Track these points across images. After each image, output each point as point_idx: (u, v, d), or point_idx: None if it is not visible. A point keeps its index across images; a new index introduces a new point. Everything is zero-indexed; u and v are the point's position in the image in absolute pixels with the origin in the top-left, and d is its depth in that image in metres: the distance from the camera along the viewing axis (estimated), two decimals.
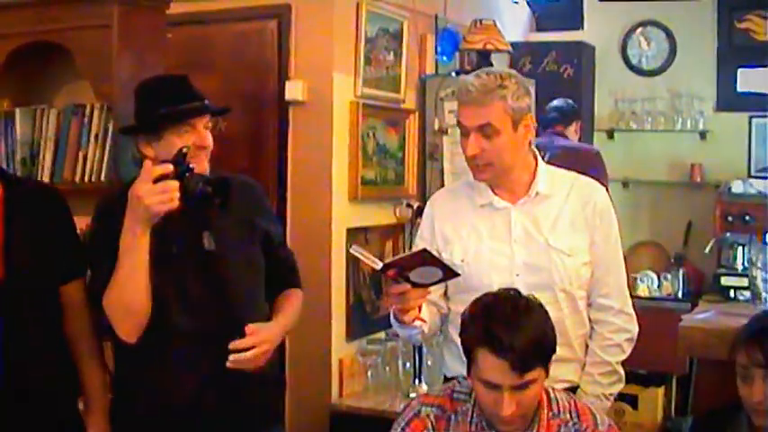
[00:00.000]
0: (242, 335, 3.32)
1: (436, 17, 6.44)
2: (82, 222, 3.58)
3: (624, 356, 3.60)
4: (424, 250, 3.17)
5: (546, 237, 3.47)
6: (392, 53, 5.91)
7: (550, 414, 3.07)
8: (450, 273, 3.21)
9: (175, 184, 3.14)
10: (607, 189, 6.19)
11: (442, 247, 3.53)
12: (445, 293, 3.58)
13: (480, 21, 6.32)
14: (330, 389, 5.51)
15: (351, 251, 3.25)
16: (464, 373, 3.11)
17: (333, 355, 5.51)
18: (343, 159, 5.54)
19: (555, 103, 6.84)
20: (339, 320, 5.54)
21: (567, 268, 3.47)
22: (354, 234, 5.61)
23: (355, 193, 5.59)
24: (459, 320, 3.24)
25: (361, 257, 3.18)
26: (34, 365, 3.28)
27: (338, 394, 5.53)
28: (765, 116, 7.68)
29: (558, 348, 3.10)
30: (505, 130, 3.37)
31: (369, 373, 5.56)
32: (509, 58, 6.55)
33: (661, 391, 6.99)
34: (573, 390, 3.48)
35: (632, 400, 6.85)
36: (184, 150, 3.23)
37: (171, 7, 4.47)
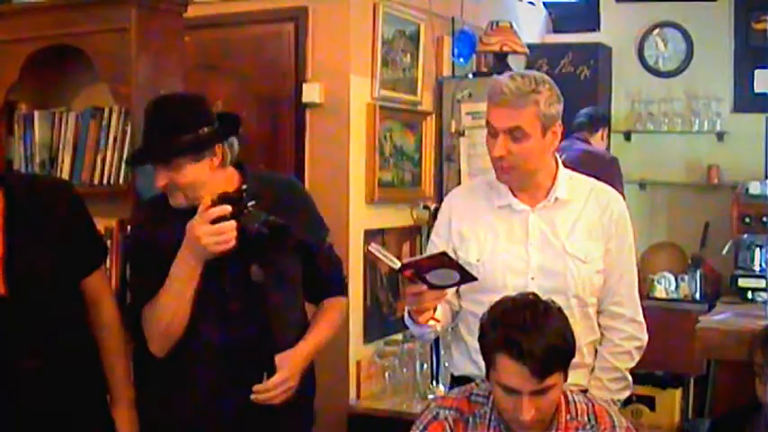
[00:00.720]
0: (271, 359, 3.37)
1: (453, 19, 6.44)
2: (101, 225, 3.59)
3: (633, 364, 3.59)
4: (444, 253, 3.17)
5: (563, 242, 3.47)
6: (409, 55, 5.91)
7: (568, 417, 3.07)
8: (467, 276, 3.19)
9: (233, 224, 3.19)
10: (623, 196, 6.26)
11: (457, 245, 3.54)
12: (457, 291, 3.56)
13: (497, 23, 6.32)
14: (348, 391, 5.51)
15: (369, 249, 3.28)
16: (473, 372, 3.15)
17: (350, 356, 5.51)
18: (360, 161, 5.55)
19: (586, 109, 6.90)
20: (356, 322, 5.54)
21: (582, 275, 3.46)
22: (372, 236, 5.61)
23: (372, 194, 5.60)
24: (471, 320, 3.35)
25: (380, 256, 3.19)
26: (62, 362, 3.28)
27: (356, 396, 5.53)
28: None
29: None
30: (534, 135, 3.36)
31: (386, 375, 5.57)
32: (525, 60, 6.55)
33: (678, 392, 6.97)
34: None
35: (650, 402, 6.84)
36: (244, 187, 3.29)
37: (188, 10, 4.47)
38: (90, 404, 3.44)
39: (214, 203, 3.21)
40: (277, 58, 5.61)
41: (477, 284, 3.34)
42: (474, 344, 3.25)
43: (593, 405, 3.14)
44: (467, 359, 3.46)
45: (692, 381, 7.04)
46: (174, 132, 3.33)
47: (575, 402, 3.12)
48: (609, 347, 3.54)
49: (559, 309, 3.03)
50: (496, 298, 3.15)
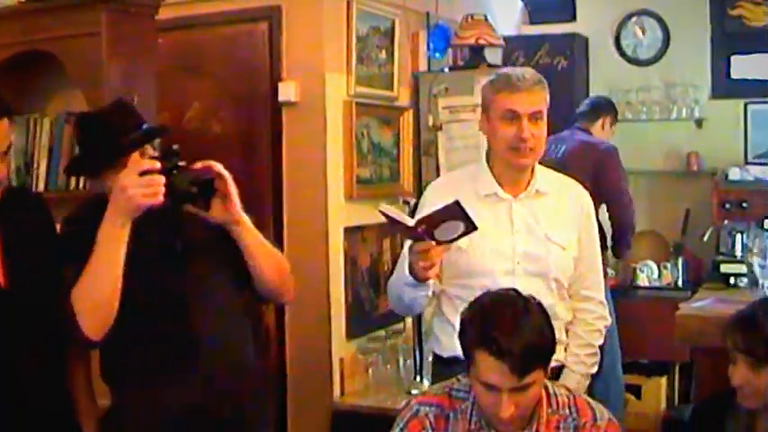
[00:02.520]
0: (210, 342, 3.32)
1: (427, 14, 6.43)
2: None
3: (602, 341, 3.91)
4: (457, 202, 3.26)
5: (545, 230, 3.72)
6: (384, 51, 5.91)
7: (549, 410, 3.06)
8: (471, 226, 3.30)
9: (161, 179, 3.11)
10: (627, 184, 6.25)
11: None
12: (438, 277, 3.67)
13: (471, 16, 6.32)
14: (331, 388, 5.52)
15: (380, 210, 3.33)
16: (460, 352, 3.16)
17: (333, 354, 5.53)
18: (338, 158, 5.56)
19: (589, 98, 6.98)
20: (338, 319, 5.55)
21: (562, 260, 3.74)
22: (351, 233, 5.62)
23: (351, 191, 5.61)
24: (458, 304, 3.48)
25: (393, 215, 3.32)
26: (60, 362, 3.33)
27: (339, 393, 5.54)
28: (760, 102, 7.67)
29: None
30: (544, 120, 3.67)
31: (370, 371, 5.58)
32: (502, 52, 6.54)
33: (664, 380, 7.01)
34: (560, 369, 3.74)
35: (636, 391, 6.88)
36: (175, 147, 3.22)
37: (161, 12, 4.46)
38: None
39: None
40: (252, 57, 5.61)
41: (465, 269, 3.63)
42: None
43: (574, 398, 3.14)
44: (456, 341, 3.50)
45: (677, 368, 7.08)
46: (121, 134, 3.30)
47: (556, 396, 3.11)
48: (583, 326, 3.84)
49: (539, 305, 3.03)
50: (485, 282, 3.40)
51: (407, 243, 3.56)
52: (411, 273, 3.45)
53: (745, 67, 7.83)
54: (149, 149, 3.32)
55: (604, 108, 6.78)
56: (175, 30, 5.36)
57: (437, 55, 6.46)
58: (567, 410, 3.09)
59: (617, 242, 6.46)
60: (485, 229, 3.50)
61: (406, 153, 6.11)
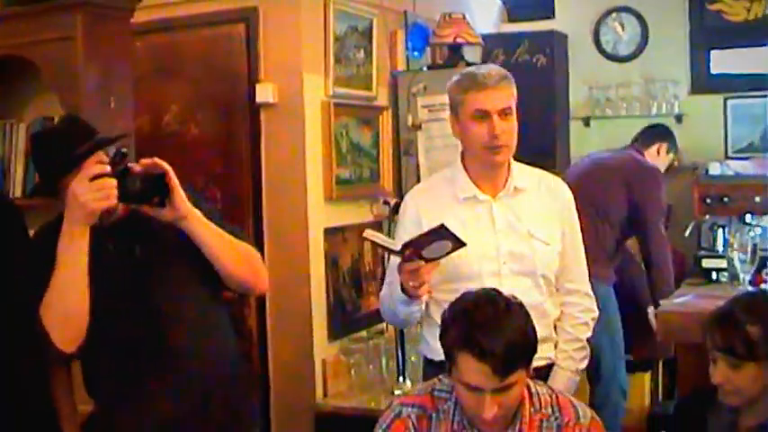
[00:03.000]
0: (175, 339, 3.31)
1: (405, 13, 6.43)
2: None
3: (590, 334, 3.90)
4: (442, 225, 3.30)
5: (527, 227, 3.72)
6: (362, 51, 5.89)
7: (532, 409, 3.07)
8: (458, 243, 3.35)
9: (112, 181, 3.10)
10: (664, 213, 6.18)
11: None
12: None
13: (450, 14, 6.31)
14: (314, 389, 5.50)
15: (365, 235, 3.41)
16: None
17: (315, 355, 5.50)
18: (317, 159, 5.53)
19: (650, 124, 6.88)
20: (320, 320, 5.53)
21: (546, 256, 3.75)
22: (332, 233, 5.60)
23: (331, 192, 5.59)
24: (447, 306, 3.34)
25: (378, 241, 3.44)
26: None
27: (322, 394, 5.52)
28: (740, 97, 7.70)
29: (540, 329, 3.26)
30: (514, 115, 3.68)
31: (352, 372, 5.56)
32: (481, 50, 6.53)
33: (647, 376, 7.01)
34: (550, 366, 3.77)
35: None
36: (124, 150, 3.21)
37: (137, 15, 4.44)
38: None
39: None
40: (229, 59, 5.58)
41: (453, 273, 3.59)
42: None
43: (556, 397, 3.15)
44: None
45: (660, 364, 7.08)
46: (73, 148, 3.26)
47: (538, 394, 3.12)
48: (569, 320, 3.85)
49: (521, 305, 3.03)
50: (471, 285, 3.29)
51: (394, 259, 3.59)
52: (403, 290, 3.47)
53: (724, 61, 7.87)
54: (102, 156, 3.25)
55: (661, 134, 6.73)
56: (152, 33, 5.35)
57: (416, 54, 6.45)
58: (550, 409, 3.10)
59: (654, 290, 6.17)
60: (468, 233, 3.51)
61: (385, 153, 6.09)
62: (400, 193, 6.11)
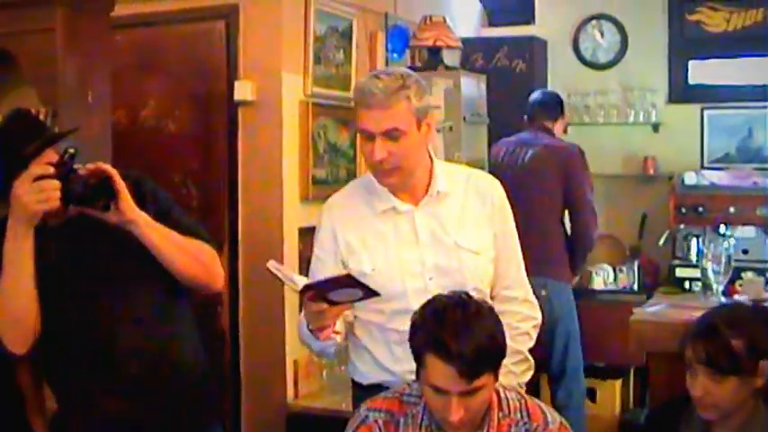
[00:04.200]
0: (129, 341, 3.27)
1: (386, 14, 6.43)
2: None
3: (532, 344, 3.60)
4: (349, 275, 3.07)
5: (453, 237, 3.44)
6: (342, 51, 5.89)
7: (501, 414, 3.05)
8: (370, 293, 3.07)
9: (55, 183, 3.04)
10: (592, 187, 6.22)
11: (346, 257, 3.45)
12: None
13: (430, 17, 6.31)
14: (285, 389, 5.49)
15: (268, 267, 3.10)
16: (385, 379, 3.22)
17: (287, 355, 5.49)
18: (294, 159, 5.53)
19: (538, 96, 6.73)
20: (293, 321, 5.46)
21: (478, 267, 3.46)
22: (306, 234, 5.57)
23: (306, 192, 5.58)
24: (374, 329, 3.39)
25: (279, 275, 3.10)
26: None
27: (294, 395, 5.51)
28: (717, 107, 7.73)
29: None
30: (411, 132, 3.29)
31: (324, 373, 5.55)
32: (460, 54, 6.54)
33: (619, 383, 7.03)
34: None
35: (591, 394, 6.88)
36: (71, 151, 3.13)
37: (117, 9, 4.43)
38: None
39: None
40: (208, 56, 5.58)
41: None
42: (380, 352, 3.39)
43: (525, 402, 3.13)
44: (376, 368, 3.41)
45: (631, 371, 7.10)
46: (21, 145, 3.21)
47: (507, 399, 3.10)
48: (508, 331, 3.27)
49: (491, 308, 3.00)
50: (397, 305, 3.26)
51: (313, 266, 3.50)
52: (309, 330, 3.27)
53: (702, 72, 7.92)
54: (52, 156, 3.18)
55: (560, 106, 6.71)
56: (132, 27, 5.34)
57: (395, 56, 6.45)
58: (519, 414, 3.08)
59: (573, 256, 6.39)
60: (389, 248, 3.38)
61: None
62: None
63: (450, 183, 3.47)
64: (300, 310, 3.36)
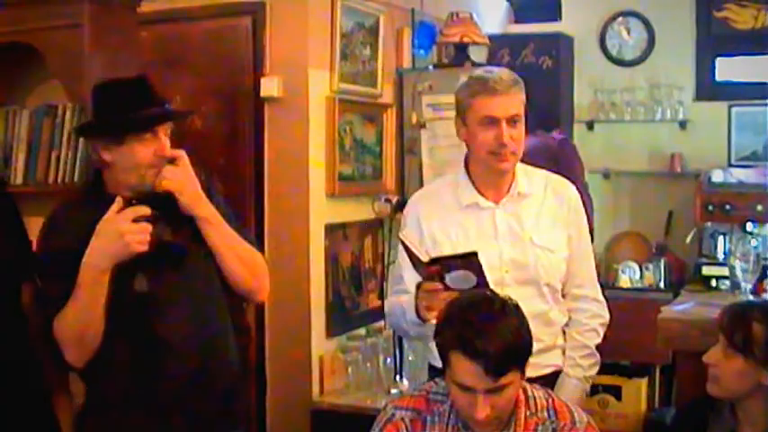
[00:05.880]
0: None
1: (413, 10, 6.40)
2: None
3: (599, 340, 3.82)
4: (475, 253, 3.25)
5: (530, 235, 3.66)
6: (368, 47, 5.88)
7: (528, 413, 3.06)
8: (484, 283, 3.27)
9: (149, 227, 3.13)
10: (583, 175, 6.23)
11: (431, 248, 3.61)
12: None
13: (457, 14, 6.28)
14: (311, 386, 5.48)
15: (400, 237, 3.42)
16: None
17: (313, 352, 5.49)
18: (320, 155, 5.51)
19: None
20: (319, 317, 5.51)
21: (551, 263, 3.68)
22: (333, 230, 5.58)
23: (333, 188, 5.56)
24: None
25: (410, 245, 3.32)
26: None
27: (319, 392, 5.51)
28: (744, 105, 7.69)
29: (545, 337, 3.60)
30: (522, 122, 3.61)
31: (349, 370, 5.53)
32: (487, 51, 6.52)
33: (644, 381, 7.01)
34: (557, 373, 3.72)
35: (616, 392, 6.87)
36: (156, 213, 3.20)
37: (144, 5, 4.43)
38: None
39: (128, 204, 3.15)
40: (235, 52, 5.56)
41: None
42: None
43: (553, 401, 3.13)
44: None
45: (657, 370, 7.07)
46: (160, 101, 3.36)
47: (534, 398, 3.10)
48: (577, 327, 3.78)
49: (517, 306, 3.01)
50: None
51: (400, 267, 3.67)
52: (417, 311, 3.44)
53: (729, 69, 7.88)
54: (163, 134, 3.29)
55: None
56: (158, 23, 5.32)
57: (421, 52, 6.42)
58: (546, 413, 3.09)
59: None
60: (470, 240, 3.54)
61: (389, 150, 6.08)
62: (402, 192, 6.10)
63: (530, 184, 3.73)
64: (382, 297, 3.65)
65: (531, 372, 3.10)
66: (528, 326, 2.98)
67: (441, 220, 3.69)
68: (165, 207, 3.24)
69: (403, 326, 3.64)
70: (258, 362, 5.54)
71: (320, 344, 5.51)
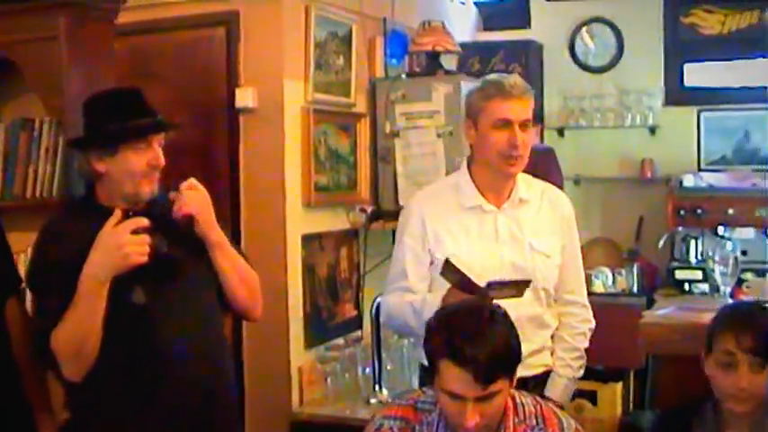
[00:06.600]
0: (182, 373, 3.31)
1: (384, 20, 6.40)
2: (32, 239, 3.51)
3: (587, 344, 4.05)
4: (528, 282, 3.48)
5: (529, 240, 3.80)
6: (341, 57, 5.87)
7: (516, 420, 3.07)
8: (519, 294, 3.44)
9: (148, 238, 3.15)
10: (562, 186, 6.25)
11: (433, 246, 3.75)
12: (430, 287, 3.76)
13: (429, 22, 6.30)
14: (290, 397, 5.47)
15: (447, 260, 3.41)
16: None
17: (292, 363, 5.47)
18: (296, 165, 5.50)
19: None
20: (297, 328, 5.50)
21: (548, 268, 3.85)
22: (309, 240, 5.57)
23: (309, 199, 5.55)
24: None
25: (464, 270, 3.37)
26: None
27: (298, 402, 5.49)
28: (713, 110, 7.75)
29: (538, 339, 3.78)
30: (532, 128, 3.77)
31: (328, 380, 5.52)
32: (457, 59, 6.54)
33: (619, 386, 7.02)
34: (548, 373, 3.89)
35: (591, 396, 6.87)
36: (162, 202, 3.28)
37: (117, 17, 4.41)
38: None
39: (126, 216, 3.17)
40: (209, 63, 5.55)
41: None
42: None
43: (541, 407, 3.14)
44: None
45: (631, 374, 7.09)
46: (153, 112, 3.40)
47: (523, 405, 3.11)
48: (568, 330, 3.95)
49: (505, 314, 3.03)
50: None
51: (401, 254, 3.77)
52: None
53: (698, 74, 7.93)
54: (156, 145, 3.36)
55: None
56: (132, 35, 5.27)
57: (394, 61, 6.43)
58: (534, 420, 3.10)
59: None
60: (471, 242, 3.65)
61: (363, 160, 6.07)
62: (376, 201, 6.10)
63: (528, 191, 3.84)
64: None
65: (524, 371, 3.20)
66: (516, 334, 3.00)
67: (444, 220, 3.79)
68: (162, 219, 3.27)
69: (412, 324, 3.69)
70: (237, 374, 5.51)
71: (299, 355, 5.50)
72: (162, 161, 3.34)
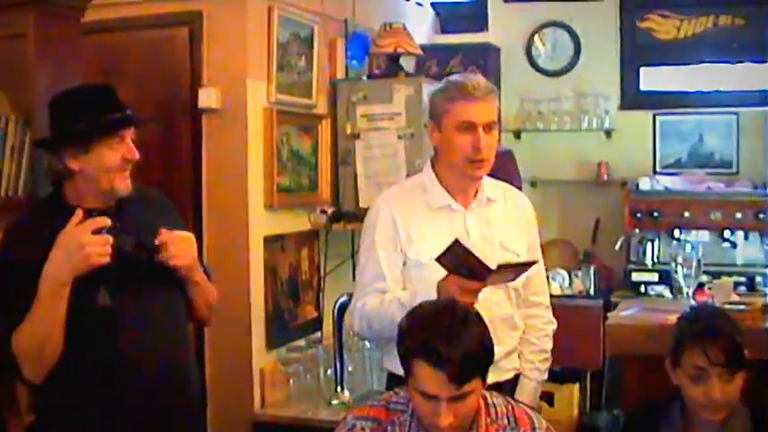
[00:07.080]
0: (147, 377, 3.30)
1: (345, 21, 6.40)
2: None
3: (551, 345, 4.01)
4: (534, 262, 3.50)
5: (499, 239, 3.73)
6: (303, 58, 5.86)
7: (488, 420, 3.07)
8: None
9: (109, 239, 3.11)
10: (521, 188, 6.28)
11: (406, 246, 3.66)
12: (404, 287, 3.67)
13: (390, 24, 6.30)
14: (252, 399, 5.46)
15: (457, 239, 3.26)
16: None
17: (254, 364, 5.46)
18: (259, 166, 5.48)
19: None
20: (259, 329, 5.49)
21: None
22: (271, 242, 5.56)
23: (271, 200, 5.54)
24: None
25: (476, 253, 3.25)
26: None
27: (260, 404, 5.48)
28: (668, 113, 7.85)
29: (510, 341, 3.72)
30: (496, 129, 3.67)
31: (290, 382, 5.51)
32: (415, 60, 6.54)
33: (576, 387, 7.06)
34: (517, 377, 3.85)
35: (548, 398, 6.90)
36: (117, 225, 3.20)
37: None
38: None
39: (88, 216, 3.15)
40: (172, 63, 5.51)
41: (430, 282, 3.39)
42: None
43: (512, 408, 3.15)
44: None
45: (588, 375, 7.14)
46: (122, 107, 3.38)
47: (495, 406, 3.12)
48: (535, 332, 3.92)
49: (478, 315, 3.03)
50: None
51: (373, 256, 3.67)
52: None
53: (653, 78, 8.02)
54: (129, 139, 3.34)
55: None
56: (95, 33, 5.23)
57: (354, 63, 6.43)
58: (506, 420, 3.10)
59: None
60: (443, 243, 3.40)
61: (324, 161, 6.05)
62: (337, 203, 6.10)
63: (494, 192, 3.78)
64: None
65: (496, 377, 3.19)
66: (489, 334, 3.00)
67: (415, 220, 3.69)
68: (125, 219, 3.24)
69: (387, 327, 3.45)
70: (199, 375, 5.50)
71: (261, 356, 5.49)
72: (136, 154, 3.32)
